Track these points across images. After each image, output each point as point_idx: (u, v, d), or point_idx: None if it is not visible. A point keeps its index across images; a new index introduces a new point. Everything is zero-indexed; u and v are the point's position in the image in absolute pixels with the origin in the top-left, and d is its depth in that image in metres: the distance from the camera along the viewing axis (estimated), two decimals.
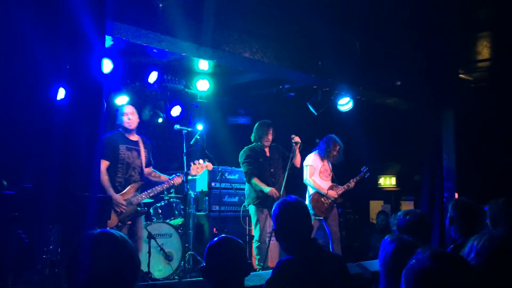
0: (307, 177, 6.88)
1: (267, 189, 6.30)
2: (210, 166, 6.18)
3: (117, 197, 5.39)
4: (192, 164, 5.98)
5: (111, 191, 5.35)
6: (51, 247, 4.83)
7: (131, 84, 7.54)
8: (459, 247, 3.39)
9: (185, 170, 6.00)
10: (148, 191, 5.70)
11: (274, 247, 6.87)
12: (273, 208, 2.91)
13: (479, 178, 8.12)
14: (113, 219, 5.32)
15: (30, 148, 3.57)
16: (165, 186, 5.82)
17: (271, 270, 2.76)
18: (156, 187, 5.74)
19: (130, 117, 5.66)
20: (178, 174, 5.91)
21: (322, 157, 6.96)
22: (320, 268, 2.71)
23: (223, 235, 2.54)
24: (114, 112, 5.84)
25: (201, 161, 6.02)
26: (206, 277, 2.47)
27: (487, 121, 8.42)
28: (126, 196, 5.49)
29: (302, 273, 2.64)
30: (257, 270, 6.19)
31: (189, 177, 6.12)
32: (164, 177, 5.90)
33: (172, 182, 5.81)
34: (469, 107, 8.32)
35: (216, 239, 2.51)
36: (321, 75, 6.55)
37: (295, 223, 2.83)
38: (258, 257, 6.41)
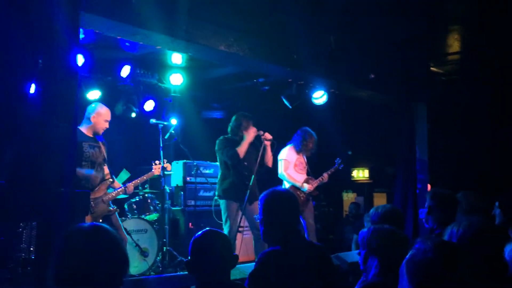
0: (281, 171, 6.83)
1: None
2: (169, 166, 6.38)
3: None
4: (153, 163, 6.15)
5: None
6: (24, 245, 4.71)
7: (103, 79, 7.39)
8: (438, 236, 3.46)
9: (162, 164, 5.93)
10: (118, 189, 5.61)
11: (249, 240, 6.73)
12: (261, 196, 2.88)
13: (452, 169, 8.26)
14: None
15: (2, 143, 3.47)
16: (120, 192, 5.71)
17: (254, 263, 2.74)
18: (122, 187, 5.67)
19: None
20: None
21: (298, 150, 6.96)
22: (304, 259, 2.70)
23: (207, 228, 2.50)
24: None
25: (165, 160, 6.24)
26: (192, 271, 2.43)
27: (458, 113, 8.57)
28: (98, 195, 5.40)
29: (286, 264, 2.63)
30: None
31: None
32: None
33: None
34: (441, 100, 8.45)
35: (200, 232, 2.47)
36: (296, 68, 6.55)
37: (283, 213, 2.81)
38: None
